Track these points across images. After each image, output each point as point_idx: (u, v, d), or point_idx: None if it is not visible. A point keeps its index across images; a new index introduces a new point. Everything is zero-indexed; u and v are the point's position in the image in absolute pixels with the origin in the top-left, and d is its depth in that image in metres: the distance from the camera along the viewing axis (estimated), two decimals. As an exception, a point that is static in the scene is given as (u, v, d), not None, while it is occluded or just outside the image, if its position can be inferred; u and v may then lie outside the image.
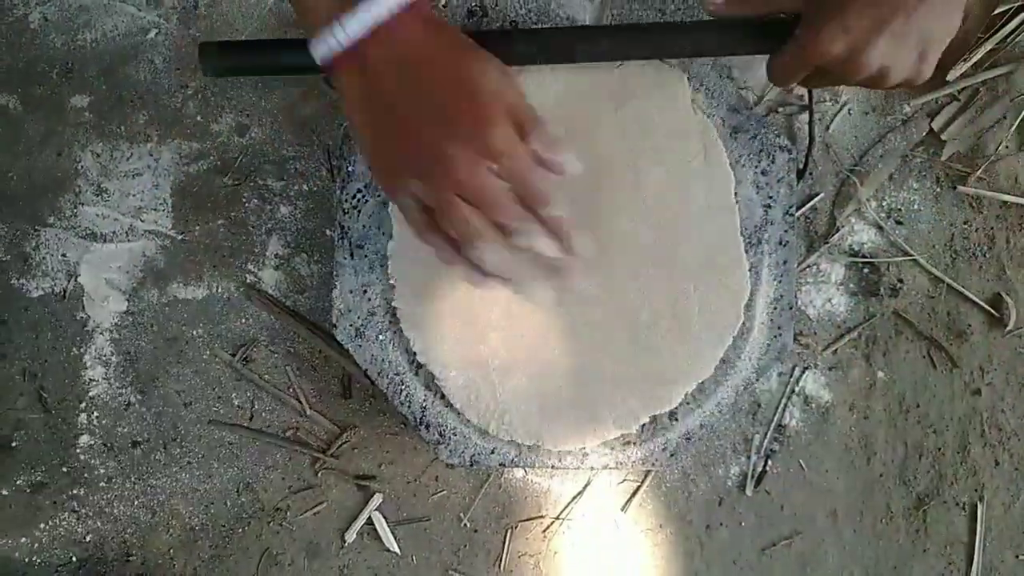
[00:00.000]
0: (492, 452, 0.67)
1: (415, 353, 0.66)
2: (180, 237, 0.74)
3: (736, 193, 0.66)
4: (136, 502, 0.74)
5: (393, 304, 0.65)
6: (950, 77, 0.75)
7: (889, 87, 0.53)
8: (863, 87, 0.55)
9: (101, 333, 0.73)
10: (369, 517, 0.73)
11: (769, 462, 0.76)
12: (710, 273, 0.64)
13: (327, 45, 0.44)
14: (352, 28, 0.44)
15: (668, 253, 0.64)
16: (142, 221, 0.74)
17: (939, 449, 0.77)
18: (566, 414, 0.65)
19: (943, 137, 0.76)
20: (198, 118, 0.74)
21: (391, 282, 0.65)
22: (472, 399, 0.65)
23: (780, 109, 0.76)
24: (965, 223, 0.77)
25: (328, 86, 0.52)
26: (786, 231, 0.68)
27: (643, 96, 0.65)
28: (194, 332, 0.74)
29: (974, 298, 0.76)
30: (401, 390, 0.67)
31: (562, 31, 0.60)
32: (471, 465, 0.67)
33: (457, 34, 0.47)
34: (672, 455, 0.68)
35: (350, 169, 0.67)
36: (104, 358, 0.74)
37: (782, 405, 0.76)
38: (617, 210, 0.65)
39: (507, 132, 0.45)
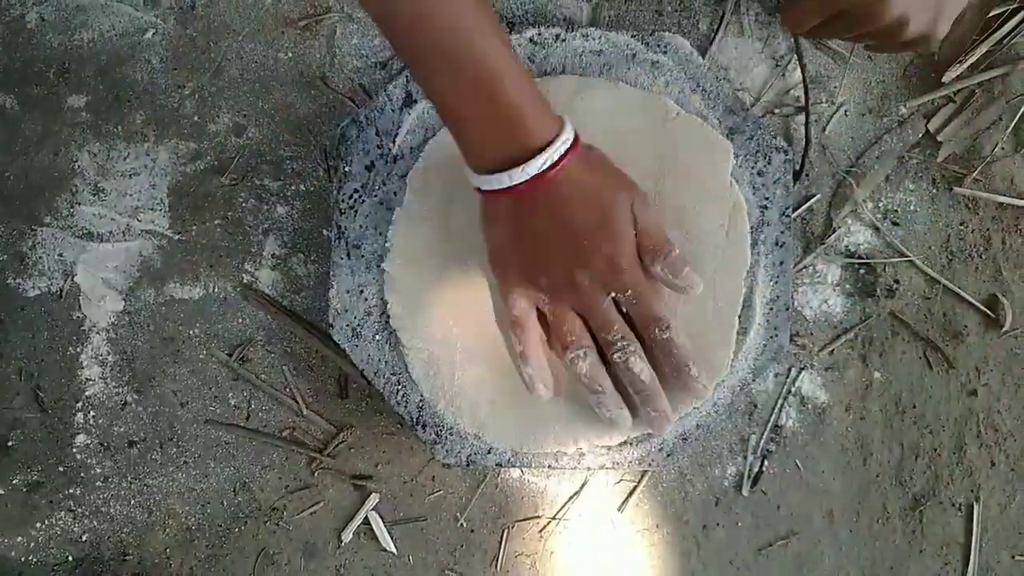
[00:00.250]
0: (488, 452, 0.67)
1: (389, 317, 0.66)
2: (177, 237, 0.74)
3: (745, 277, 0.66)
4: (133, 501, 0.73)
5: (382, 267, 0.65)
6: (946, 79, 0.75)
7: (902, 43, 0.53)
8: (876, 41, 0.55)
9: (98, 333, 0.73)
10: (366, 517, 0.73)
11: (765, 462, 0.75)
12: (697, 344, 0.63)
13: (489, 183, 0.51)
14: (519, 177, 0.50)
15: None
16: (139, 221, 0.74)
17: (935, 450, 0.76)
18: (511, 415, 0.65)
19: (939, 139, 0.76)
20: (195, 118, 0.74)
21: (387, 245, 0.65)
22: (431, 375, 0.65)
23: (776, 110, 0.76)
24: (961, 224, 0.77)
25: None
26: (782, 232, 0.68)
27: (685, 148, 0.65)
28: (191, 332, 0.74)
29: (970, 299, 0.76)
30: (397, 390, 0.67)
31: None
32: (467, 465, 0.67)
33: (604, 165, 0.54)
34: (668, 455, 0.68)
35: (347, 169, 0.67)
36: (100, 358, 0.73)
37: (778, 406, 0.76)
38: None
39: (633, 267, 0.53)
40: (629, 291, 0.53)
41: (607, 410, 0.58)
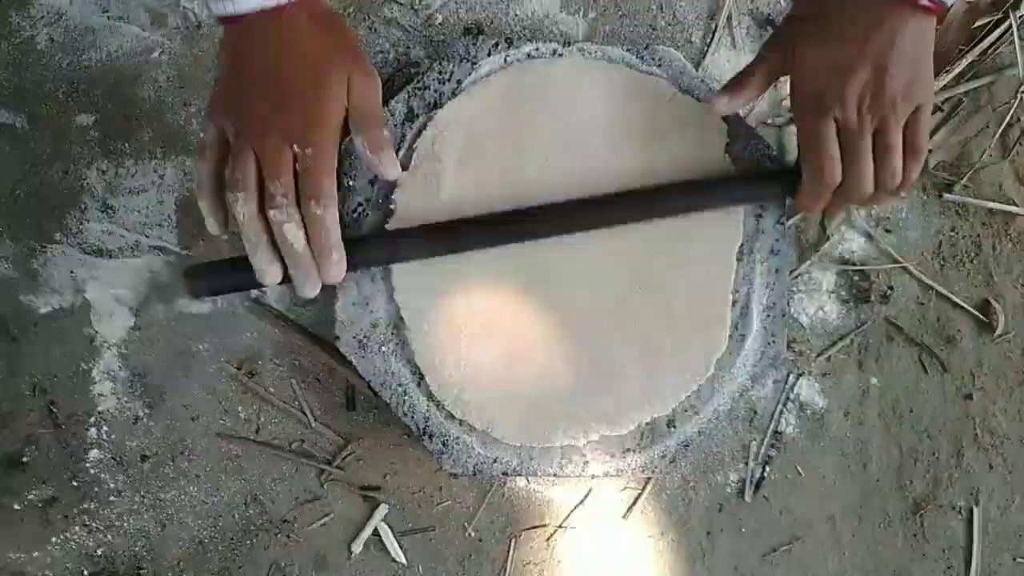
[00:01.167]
0: (494, 461, 0.68)
1: (399, 306, 0.66)
2: (185, 252, 0.74)
3: (738, 251, 0.67)
4: (146, 515, 0.74)
5: (386, 227, 0.65)
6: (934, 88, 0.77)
7: (897, 189, 0.58)
8: (879, 202, 0.60)
9: (109, 348, 0.74)
10: (375, 528, 0.73)
11: (767, 468, 0.76)
12: (691, 318, 0.65)
13: (223, 6, 0.50)
14: (246, 4, 0.49)
15: (656, 283, 0.65)
16: (147, 237, 0.74)
17: (934, 454, 0.77)
18: (520, 410, 0.65)
19: (929, 147, 0.77)
20: (201, 135, 0.74)
21: (391, 207, 0.65)
22: (436, 363, 0.65)
23: (769, 121, 0.77)
24: (952, 230, 0.78)
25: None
26: (777, 240, 0.69)
27: (681, 125, 0.67)
28: (200, 346, 0.74)
29: (963, 304, 0.77)
30: (404, 401, 0.68)
31: (561, 207, 0.63)
32: (474, 474, 0.68)
33: (337, 30, 0.53)
34: (671, 462, 0.69)
35: (350, 184, 0.68)
36: (112, 373, 0.74)
37: (778, 412, 0.76)
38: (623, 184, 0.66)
39: (326, 135, 0.52)
40: (310, 149, 0.51)
41: (257, 262, 0.55)
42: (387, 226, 0.65)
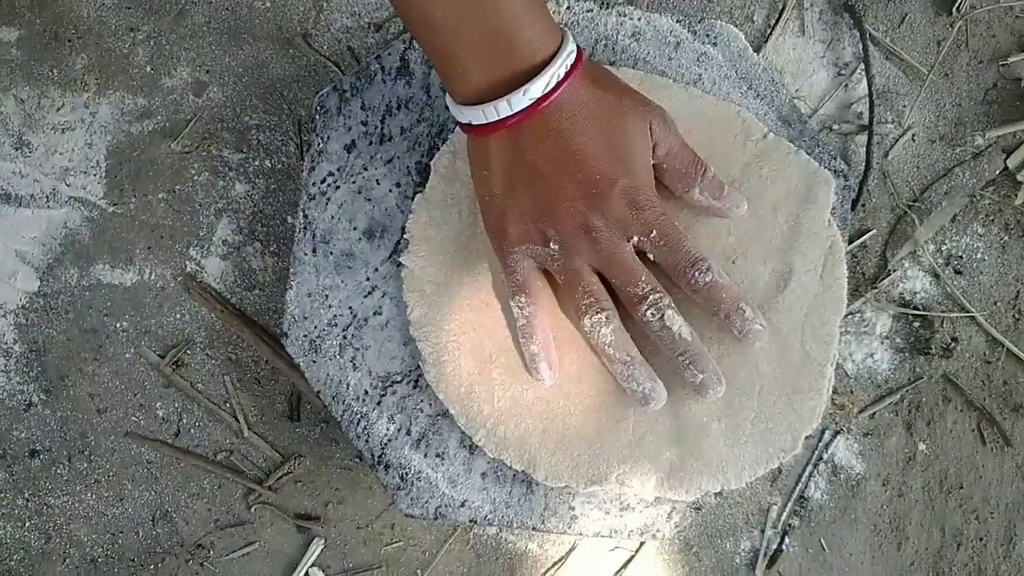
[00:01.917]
0: (462, 505, 0.59)
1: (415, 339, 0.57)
2: (112, 209, 0.66)
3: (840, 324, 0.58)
4: (28, 523, 0.65)
5: (400, 260, 0.58)
6: None
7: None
8: None
9: (4, 316, 0.66)
10: (307, 573, 0.64)
11: (786, 539, 0.67)
12: (782, 386, 0.57)
13: (482, 117, 0.45)
14: (518, 103, 0.44)
15: (746, 343, 0.58)
16: (68, 185, 0.66)
17: (981, 539, 0.68)
18: (570, 447, 0.56)
19: (1019, 178, 0.68)
20: (148, 69, 0.66)
21: (405, 236, 0.58)
22: (462, 395, 0.57)
23: (835, 126, 0.68)
24: None
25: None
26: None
27: (774, 177, 0.58)
28: (118, 325, 0.65)
29: None
30: (359, 420, 0.59)
31: None
32: (435, 519, 0.59)
33: (613, 82, 0.49)
34: (677, 524, 0.59)
35: (322, 147, 0.61)
36: (5, 346, 0.66)
37: (807, 473, 0.67)
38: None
39: (657, 205, 0.48)
40: (654, 232, 0.47)
41: (638, 384, 0.51)
42: (401, 259, 0.58)
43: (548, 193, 0.46)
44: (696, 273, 0.48)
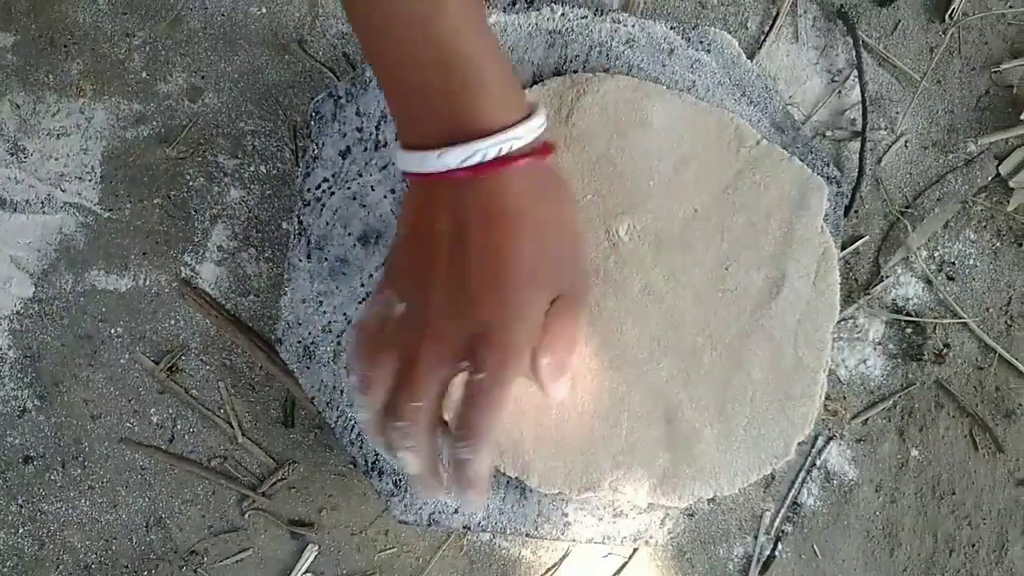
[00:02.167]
0: (455, 512, 0.58)
1: None
2: (107, 215, 0.65)
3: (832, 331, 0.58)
4: (22, 529, 0.64)
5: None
6: None
7: None
8: None
9: None
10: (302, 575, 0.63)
11: (779, 545, 0.66)
12: (774, 392, 0.57)
13: (415, 162, 0.41)
14: (451, 159, 0.40)
15: (738, 348, 0.56)
16: (63, 191, 0.65)
17: (973, 545, 0.68)
18: (563, 454, 0.56)
19: (1012, 184, 0.68)
20: (143, 74, 0.65)
21: (398, 232, 0.56)
22: (455, 400, 0.55)
23: (829, 133, 0.67)
24: None
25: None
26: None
27: (767, 184, 0.57)
28: (112, 330, 0.64)
29: None
30: (353, 427, 0.59)
31: None
32: (428, 525, 0.59)
33: (566, 206, 0.45)
34: (670, 531, 0.59)
35: (316, 153, 0.60)
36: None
37: (800, 479, 0.67)
38: (699, 269, 0.57)
39: (520, 356, 0.41)
40: (491, 367, 0.40)
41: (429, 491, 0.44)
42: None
43: (427, 261, 0.42)
44: (463, 444, 0.41)
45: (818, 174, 0.60)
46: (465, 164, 0.40)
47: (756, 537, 0.66)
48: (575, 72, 0.58)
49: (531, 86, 0.57)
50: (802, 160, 0.59)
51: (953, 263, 0.68)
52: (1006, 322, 0.68)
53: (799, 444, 0.64)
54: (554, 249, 0.42)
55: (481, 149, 0.40)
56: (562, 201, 0.44)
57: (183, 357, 0.65)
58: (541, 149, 0.42)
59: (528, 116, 0.42)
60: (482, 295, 0.40)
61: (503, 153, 0.40)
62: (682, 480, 0.56)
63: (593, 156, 0.56)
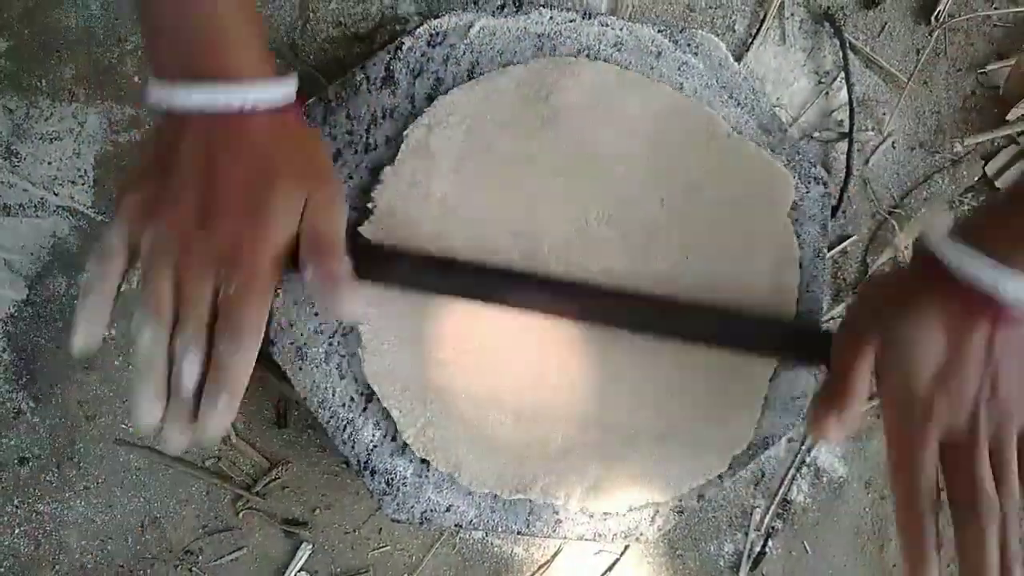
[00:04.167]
0: (447, 510, 0.58)
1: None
2: (100, 218, 0.64)
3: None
4: (17, 530, 0.64)
5: (358, 230, 0.55)
6: (1011, 116, 0.68)
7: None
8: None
9: None
10: (295, 573, 0.63)
11: (770, 541, 0.67)
12: (716, 399, 0.55)
13: (168, 96, 0.43)
14: (202, 99, 0.42)
15: (685, 350, 0.55)
16: (56, 195, 0.64)
17: None
18: (496, 456, 0.56)
19: (997, 184, 0.68)
20: (135, 79, 0.65)
21: (368, 205, 0.56)
22: (397, 390, 0.55)
23: (816, 134, 0.67)
24: None
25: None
26: (814, 276, 0.59)
27: (735, 175, 0.56)
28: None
29: None
30: (345, 427, 0.58)
31: (591, 289, 0.53)
32: (421, 524, 0.58)
33: (303, 144, 0.47)
34: (660, 528, 0.59)
35: None
36: None
37: (789, 476, 0.67)
38: (652, 263, 0.56)
39: (261, 263, 0.43)
40: (236, 278, 0.42)
41: (141, 395, 0.42)
42: (361, 229, 0.55)
43: (172, 195, 0.42)
44: (223, 344, 0.42)
45: (805, 175, 0.60)
46: (212, 106, 0.42)
47: (746, 534, 0.66)
48: (557, 55, 0.58)
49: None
50: (789, 161, 0.59)
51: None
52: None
53: (789, 440, 0.65)
54: (308, 164, 0.45)
55: (224, 94, 0.42)
56: (305, 139, 0.47)
57: (177, 359, 0.64)
58: (286, 108, 0.45)
59: (279, 81, 0.44)
60: (222, 217, 0.42)
61: (249, 106, 0.42)
62: (615, 487, 0.55)
63: (568, 138, 0.56)
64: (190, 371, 0.42)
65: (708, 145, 0.56)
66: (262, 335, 0.43)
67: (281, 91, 0.45)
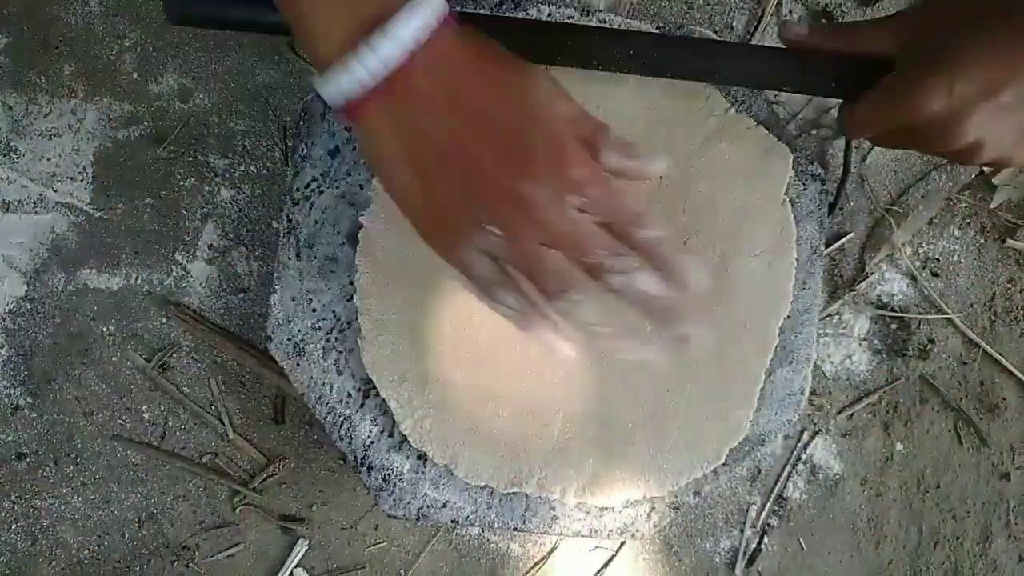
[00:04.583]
0: (444, 506, 0.57)
1: (358, 310, 0.55)
2: (98, 214, 0.65)
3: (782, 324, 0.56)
4: (15, 525, 0.64)
5: (359, 219, 0.55)
6: None
7: (975, 163, 0.46)
8: (945, 158, 0.48)
9: None
10: (291, 573, 0.63)
11: (765, 538, 0.67)
12: (713, 392, 0.55)
13: (350, 78, 0.36)
14: (386, 51, 0.36)
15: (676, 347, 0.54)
16: (55, 191, 0.65)
17: (957, 538, 0.68)
18: (493, 448, 0.55)
19: (995, 181, 0.68)
20: (134, 76, 0.65)
21: (369, 194, 0.55)
22: (395, 381, 0.55)
23: (814, 131, 0.67)
24: (1009, 282, 0.69)
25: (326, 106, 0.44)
26: (811, 273, 0.59)
27: (732, 150, 0.56)
28: (104, 329, 0.64)
29: (1011, 368, 0.68)
30: (342, 423, 0.57)
31: (599, 31, 0.50)
32: (417, 520, 0.58)
33: (497, 48, 0.41)
34: (656, 524, 0.59)
35: (306, 152, 0.58)
36: None
37: (786, 473, 0.67)
38: None
39: (583, 157, 0.40)
40: (589, 188, 0.39)
41: (633, 352, 0.43)
42: (360, 218, 0.55)
43: (463, 170, 0.39)
44: (640, 231, 0.41)
45: (803, 172, 0.60)
46: (395, 53, 0.36)
47: (742, 530, 0.67)
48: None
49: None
50: (786, 157, 0.59)
51: (937, 260, 0.68)
52: (990, 318, 0.68)
53: (786, 438, 0.65)
54: (522, 64, 0.41)
55: (400, 28, 0.36)
56: (494, 43, 0.41)
57: (174, 355, 0.65)
58: (445, 21, 0.38)
59: None
60: (519, 136, 0.39)
61: (422, 25, 0.36)
62: (611, 481, 0.55)
63: None
64: (652, 280, 0.41)
65: (707, 121, 0.56)
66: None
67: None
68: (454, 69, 0.38)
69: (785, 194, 0.56)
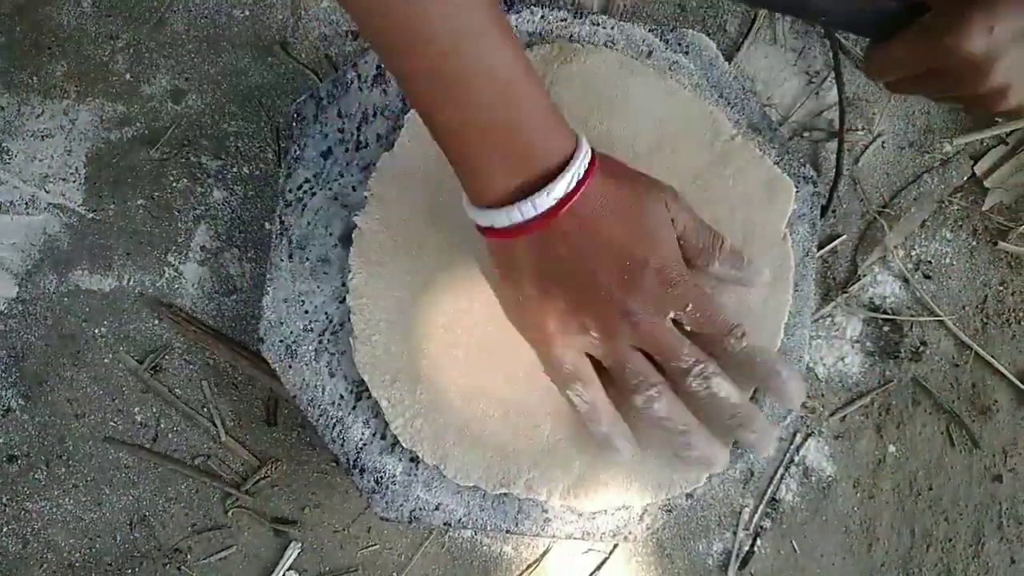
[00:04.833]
0: (436, 509, 0.57)
1: (351, 309, 0.55)
2: (91, 215, 0.64)
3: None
4: (6, 528, 0.63)
5: (353, 218, 0.55)
6: (1000, 117, 0.67)
7: (994, 110, 0.47)
8: (967, 105, 0.48)
9: None
10: (284, 573, 0.63)
11: (758, 541, 0.66)
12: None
13: (505, 218, 0.43)
14: (544, 204, 0.43)
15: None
16: (47, 192, 0.64)
17: (950, 540, 0.68)
18: (483, 449, 0.55)
19: (986, 184, 0.68)
20: (127, 76, 0.65)
21: (364, 195, 0.55)
22: (387, 380, 0.55)
23: (806, 133, 0.67)
24: (1001, 285, 0.68)
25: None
26: (803, 276, 0.59)
27: (735, 179, 0.56)
28: (96, 330, 0.64)
29: (1003, 370, 0.68)
30: (334, 425, 0.57)
31: None
32: (410, 522, 0.57)
33: (624, 170, 0.47)
34: (648, 527, 0.59)
35: (298, 153, 0.58)
36: None
37: (778, 475, 0.67)
38: None
39: (688, 279, 0.47)
40: (689, 305, 0.46)
41: (698, 451, 0.49)
42: (355, 218, 0.55)
43: (582, 287, 0.46)
44: (731, 339, 0.47)
45: (795, 174, 0.60)
46: (550, 205, 0.42)
47: (735, 533, 0.66)
48: (562, 39, 0.58)
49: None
50: (779, 160, 0.59)
51: (930, 262, 0.68)
52: (982, 320, 0.68)
53: (779, 440, 0.65)
54: (643, 184, 0.47)
55: (559, 186, 0.42)
56: (626, 169, 0.47)
57: (166, 356, 0.64)
58: (592, 153, 0.44)
59: (577, 142, 0.44)
60: (635, 261, 0.45)
61: (575, 182, 0.43)
62: (594, 485, 0.55)
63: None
64: (727, 388, 0.48)
65: (712, 145, 0.56)
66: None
67: (586, 144, 0.45)
68: (593, 206, 0.44)
69: (786, 227, 0.56)
